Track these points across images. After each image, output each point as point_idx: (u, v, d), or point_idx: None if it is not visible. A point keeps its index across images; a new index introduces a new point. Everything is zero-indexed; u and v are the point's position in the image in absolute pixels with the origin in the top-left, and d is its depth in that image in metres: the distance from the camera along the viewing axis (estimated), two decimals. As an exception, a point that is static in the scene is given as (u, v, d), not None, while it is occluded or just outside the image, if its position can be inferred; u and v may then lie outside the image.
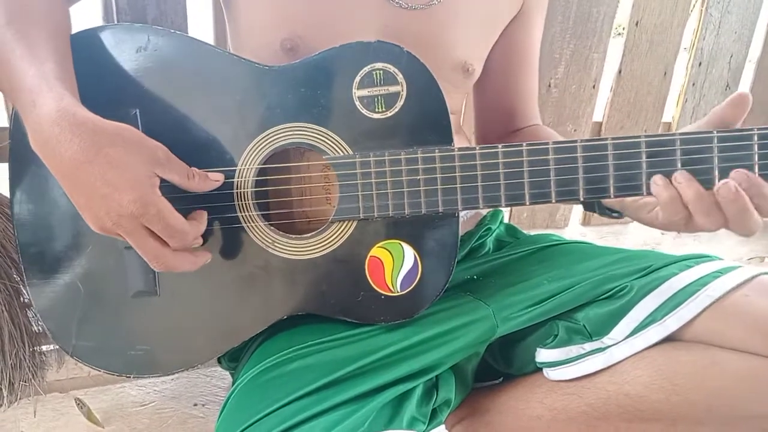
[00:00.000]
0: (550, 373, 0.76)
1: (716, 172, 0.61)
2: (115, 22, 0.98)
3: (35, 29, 0.63)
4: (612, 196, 0.64)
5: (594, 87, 1.48)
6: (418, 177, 0.65)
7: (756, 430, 0.68)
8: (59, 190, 0.67)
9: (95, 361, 0.72)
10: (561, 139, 0.83)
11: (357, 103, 0.66)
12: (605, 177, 0.63)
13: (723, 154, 0.61)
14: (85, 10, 0.87)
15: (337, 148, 0.66)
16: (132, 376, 0.74)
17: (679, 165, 0.62)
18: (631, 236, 1.65)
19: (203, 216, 0.65)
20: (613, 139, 0.63)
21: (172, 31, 0.69)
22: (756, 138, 0.60)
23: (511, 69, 0.91)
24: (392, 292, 0.69)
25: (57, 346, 0.91)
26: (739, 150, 0.61)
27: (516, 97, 0.93)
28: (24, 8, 0.64)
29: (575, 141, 0.63)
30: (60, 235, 0.70)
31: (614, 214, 0.74)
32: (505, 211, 1.51)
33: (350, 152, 0.66)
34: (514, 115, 0.93)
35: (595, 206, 0.75)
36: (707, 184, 0.61)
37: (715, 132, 0.61)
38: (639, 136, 0.63)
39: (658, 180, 0.61)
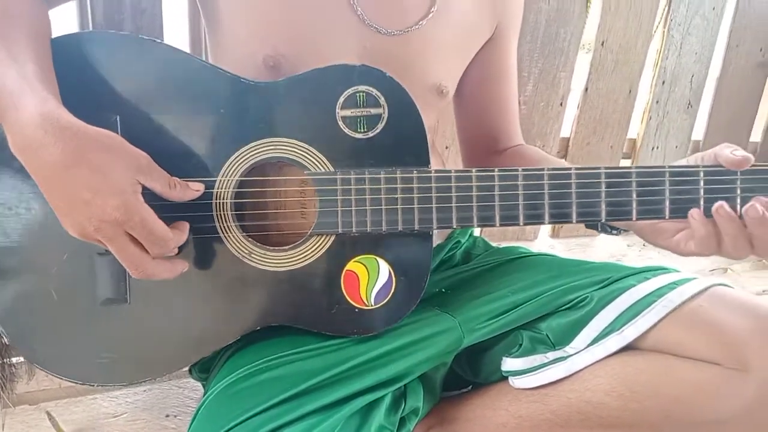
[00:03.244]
0: (515, 382, 0.78)
1: (702, 202, 0.68)
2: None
3: (15, 31, 0.62)
4: (574, 221, 0.69)
5: (561, 104, 1.52)
6: (396, 196, 0.68)
7: (708, 435, 0.71)
8: (30, 194, 0.66)
9: (57, 369, 0.71)
10: (550, 157, 0.91)
11: (340, 122, 0.68)
12: (569, 203, 0.68)
13: (709, 186, 0.68)
14: (62, 23, 0.88)
15: (318, 165, 0.68)
16: (96, 384, 0.73)
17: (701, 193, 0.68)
18: (597, 249, 1.69)
19: (186, 227, 0.65)
20: (577, 169, 0.68)
21: (158, 41, 0.69)
22: (739, 173, 0.67)
23: (488, 90, 0.93)
24: (366, 305, 0.71)
25: (27, 358, 0.90)
26: (724, 183, 0.68)
27: (496, 118, 0.95)
28: (3, 10, 0.63)
29: (542, 169, 0.68)
30: (27, 240, 0.68)
31: (614, 231, 0.78)
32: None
33: (331, 169, 0.68)
34: (497, 136, 0.95)
35: (597, 225, 0.78)
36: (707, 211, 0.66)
37: (701, 167, 0.67)
38: (599, 168, 0.68)
39: (694, 213, 0.66)
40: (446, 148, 1.45)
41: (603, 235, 1.74)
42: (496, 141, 0.96)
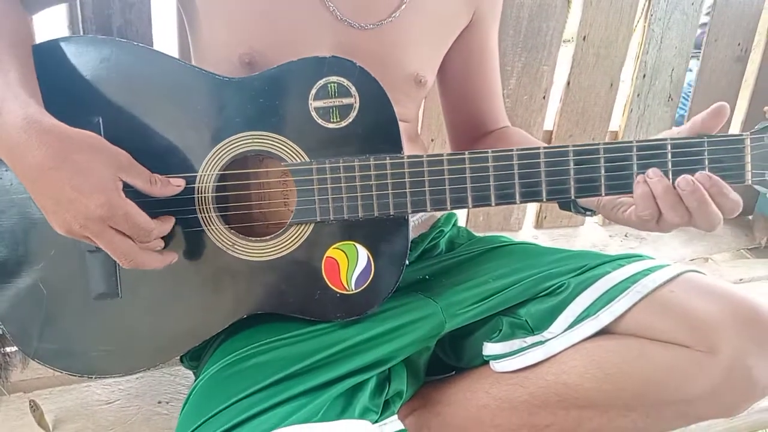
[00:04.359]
0: (496, 366, 0.81)
1: (670, 175, 0.68)
2: (81, 31, 1.00)
3: None
4: (545, 199, 0.70)
5: (544, 98, 1.54)
6: (371, 182, 0.70)
7: (677, 413, 0.74)
8: (21, 194, 0.69)
9: (57, 363, 0.73)
10: (532, 139, 0.91)
11: (313, 113, 0.70)
12: (538, 182, 0.70)
13: (677, 158, 0.69)
14: (51, 19, 0.89)
15: (294, 156, 0.70)
16: (94, 377, 0.75)
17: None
18: (581, 239, 1.72)
19: (170, 219, 0.68)
20: (545, 148, 0.69)
21: (135, 43, 0.71)
22: (706, 144, 0.68)
23: (471, 75, 0.95)
24: (347, 290, 0.73)
25: (21, 348, 0.91)
26: (692, 155, 0.68)
27: (480, 102, 0.97)
28: None
29: (511, 150, 0.70)
30: (22, 240, 0.70)
31: (588, 213, 0.80)
32: (462, 214, 1.57)
33: (307, 159, 0.70)
34: (481, 119, 0.98)
35: (570, 205, 0.80)
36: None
37: (668, 139, 0.68)
38: (567, 146, 0.69)
39: (638, 178, 0.68)
40: (432, 140, 1.47)
41: (586, 226, 1.77)
42: (482, 124, 0.98)
